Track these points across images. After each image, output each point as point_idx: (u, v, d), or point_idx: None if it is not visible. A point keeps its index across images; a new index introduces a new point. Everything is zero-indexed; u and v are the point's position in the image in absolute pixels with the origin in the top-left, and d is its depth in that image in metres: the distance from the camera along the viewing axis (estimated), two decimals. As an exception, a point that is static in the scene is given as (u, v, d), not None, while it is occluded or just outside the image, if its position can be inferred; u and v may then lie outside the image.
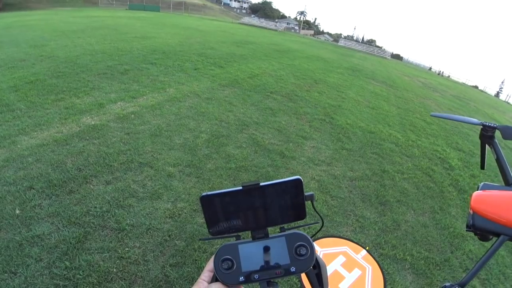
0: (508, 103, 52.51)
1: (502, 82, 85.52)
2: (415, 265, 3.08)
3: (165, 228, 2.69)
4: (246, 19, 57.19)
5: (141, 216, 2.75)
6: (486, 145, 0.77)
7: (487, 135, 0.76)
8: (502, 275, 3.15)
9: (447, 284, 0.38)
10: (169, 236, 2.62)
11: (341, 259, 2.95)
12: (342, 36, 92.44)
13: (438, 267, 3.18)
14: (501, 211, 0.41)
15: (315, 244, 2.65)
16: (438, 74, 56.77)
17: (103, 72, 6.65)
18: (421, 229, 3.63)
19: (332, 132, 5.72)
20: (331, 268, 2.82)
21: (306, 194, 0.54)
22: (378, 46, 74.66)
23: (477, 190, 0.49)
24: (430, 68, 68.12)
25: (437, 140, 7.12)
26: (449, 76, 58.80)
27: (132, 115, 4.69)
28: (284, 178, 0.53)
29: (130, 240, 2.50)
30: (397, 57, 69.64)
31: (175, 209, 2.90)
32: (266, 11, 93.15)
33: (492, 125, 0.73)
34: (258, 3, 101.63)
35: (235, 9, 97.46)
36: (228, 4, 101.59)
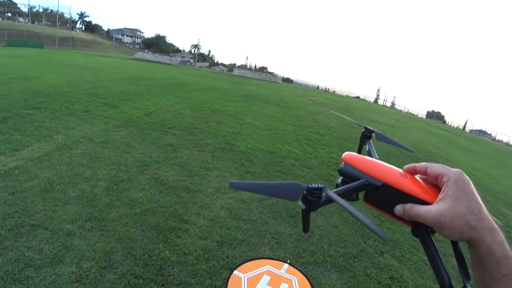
0: (385, 106, 60.73)
1: (378, 90, 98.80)
2: (335, 264, 3.31)
3: (72, 295, 2.36)
4: (140, 55, 56.17)
5: (43, 287, 2.38)
6: (364, 144, 1.03)
7: (367, 135, 1.00)
8: (413, 249, 3.64)
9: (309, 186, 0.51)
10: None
11: (265, 278, 2.98)
12: (236, 66, 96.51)
13: (356, 259, 3.46)
14: (365, 165, 0.55)
15: (238, 272, 2.63)
16: (325, 91, 62.98)
17: (-28, 124, 5.69)
18: (333, 230, 3.91)
19: (234, 159, 5.84)
20: (258, 290, 2.85)
21: None
22: (270, 72, 79.92)
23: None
24: (318, 87, 74.90)
25: (332, 149, 7.85)
26: (334, 92, 65.42)
27: (16, 171, 4.05)
28: None
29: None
30: (288, 80, 75.39)
31: (81, 271, 2.57)
32: (160, 46, 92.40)
33: (371, 129, 0.99)
34: (152, 37, 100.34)
35: (127, 45, 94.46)
36: (120, 39, 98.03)
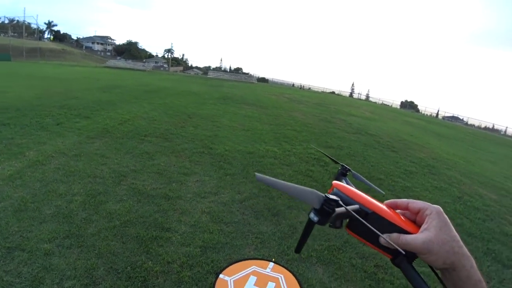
0: (360, 99, 61.86)
1: (352, 84, 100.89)
2: (321, 257, 3.34)
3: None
4: (112, 62, 55.23)
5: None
6: (340, 181, 1.07)
7: (343, 172, 1.06)
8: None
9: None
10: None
11: (252, 279, 2.97)
12: (211, 68, 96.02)
13: (341, 251, 3.51)
14: (355, 194, 0.58)
15: (224, 275, 2.63)
16: (300, 88, 63.48)
17: None
18: (316, 226, 3.93)
19: (213, 162, 5.81)
20: (246, 291, 2.83)
21: None
22: (245, 73, 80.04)
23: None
24: (293, 84, 75.40)
25: (309, 145, 7.94)
26: (309, 88, 66.11)
27: (-14, 192, 3.87)
28: None
29: None
30: (263, 80, 75.37)
31: None
32: (132, 52, 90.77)
33: (347, 167, 1.05)
34: (123, 44, 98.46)
35: (98, 52, 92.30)
36: (91, 47, 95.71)
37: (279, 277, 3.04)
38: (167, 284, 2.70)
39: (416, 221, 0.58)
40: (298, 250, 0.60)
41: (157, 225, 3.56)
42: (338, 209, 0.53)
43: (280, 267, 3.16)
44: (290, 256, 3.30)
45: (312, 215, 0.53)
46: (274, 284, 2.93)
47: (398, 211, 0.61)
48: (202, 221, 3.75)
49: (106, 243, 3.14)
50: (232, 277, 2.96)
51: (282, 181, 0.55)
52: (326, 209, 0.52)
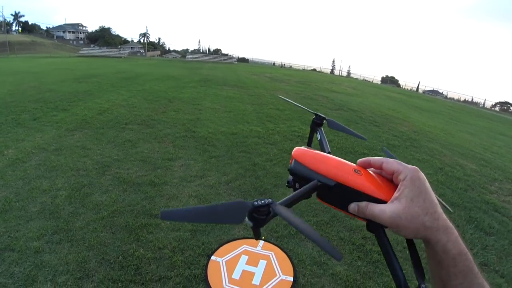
0: (342, 76, 62.12)
1: (333, 61, 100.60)
2: (310, 232, 3.39)
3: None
4: (86, 51, 53.31)
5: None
6: (315, 132, 0.96)
7: (317, 122, 0.94)
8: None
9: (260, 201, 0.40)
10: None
11: (243, 259, 3.03)
12: (189, 51, 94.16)
13: (329, 225, 3.59)
14: (316, 162, 0.52)
15: (216, 257, 2.64)
16: (281, 66, 63.11)
17: None
18: (303, 201, 3.99)
19: (197, 146, 5.80)
20: (238, 270, 2.88)
21: None
22: (224, 54, 78.90)
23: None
24: (274, 63, 74.85)
25: (293, 122, 7.97)
26: (291, 66, 65.75)
27: (-31, 195, 3.75)
28: None
29: None
30: (243, 60, 74.43)
31: (57, 287, 2.48)
32: (106, 39, 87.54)
33: (322, 115, 0.92)
34: (96, 30, 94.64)
35: (70, 41, 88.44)
36: (62, 37, 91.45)
37: (270, 255, 3.11)
38: (160, 269, 2.72)
39: (393, 180, 0.54)
40: (256, 238, 0.53)
41: (145, 213, 3.56)
42: (278, 209, 0.45)
43: (271, 244, 3.23)
44: (279, 233, 3.36)
45: (246, 219, 0.45)
46: (265, 261, 3.00)
47: (372, 169, 0.57)
48: (190, 205, 3.76)
49: (95, 235, 3.13)
50: (223, 258, 3.01)
51: (197, 207, 0.45)
52: (257, 217, 0.44)
